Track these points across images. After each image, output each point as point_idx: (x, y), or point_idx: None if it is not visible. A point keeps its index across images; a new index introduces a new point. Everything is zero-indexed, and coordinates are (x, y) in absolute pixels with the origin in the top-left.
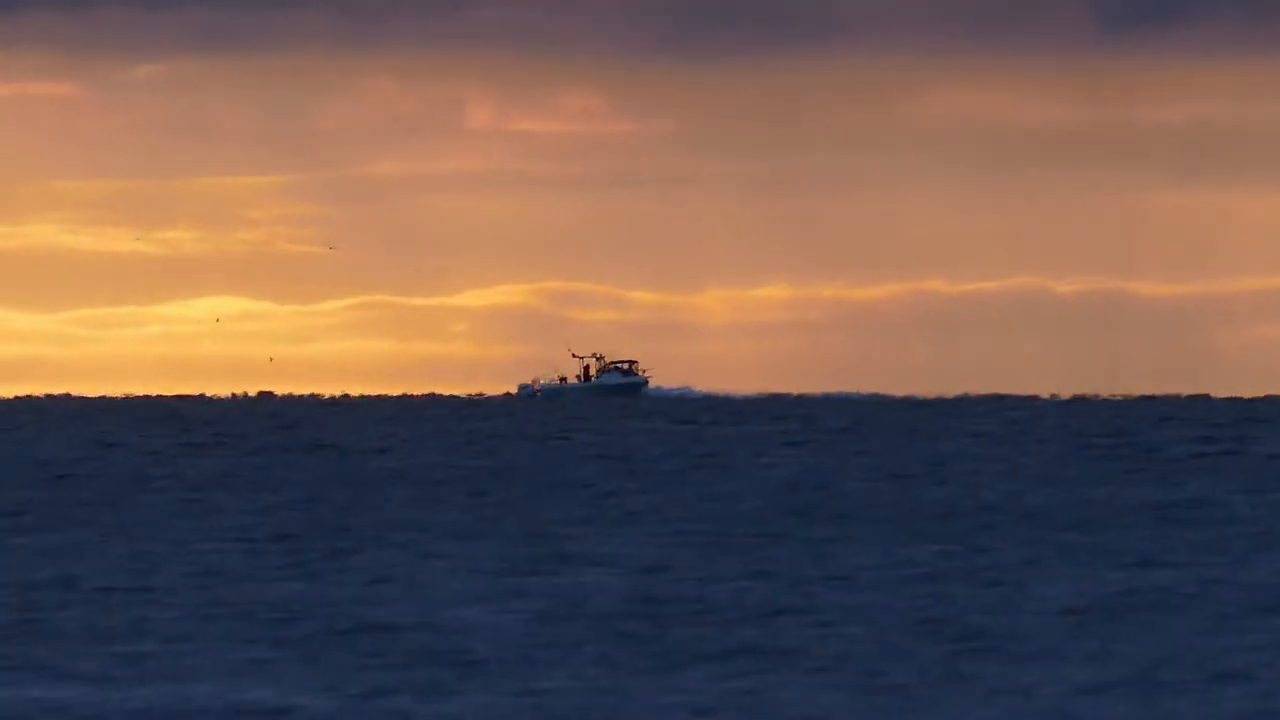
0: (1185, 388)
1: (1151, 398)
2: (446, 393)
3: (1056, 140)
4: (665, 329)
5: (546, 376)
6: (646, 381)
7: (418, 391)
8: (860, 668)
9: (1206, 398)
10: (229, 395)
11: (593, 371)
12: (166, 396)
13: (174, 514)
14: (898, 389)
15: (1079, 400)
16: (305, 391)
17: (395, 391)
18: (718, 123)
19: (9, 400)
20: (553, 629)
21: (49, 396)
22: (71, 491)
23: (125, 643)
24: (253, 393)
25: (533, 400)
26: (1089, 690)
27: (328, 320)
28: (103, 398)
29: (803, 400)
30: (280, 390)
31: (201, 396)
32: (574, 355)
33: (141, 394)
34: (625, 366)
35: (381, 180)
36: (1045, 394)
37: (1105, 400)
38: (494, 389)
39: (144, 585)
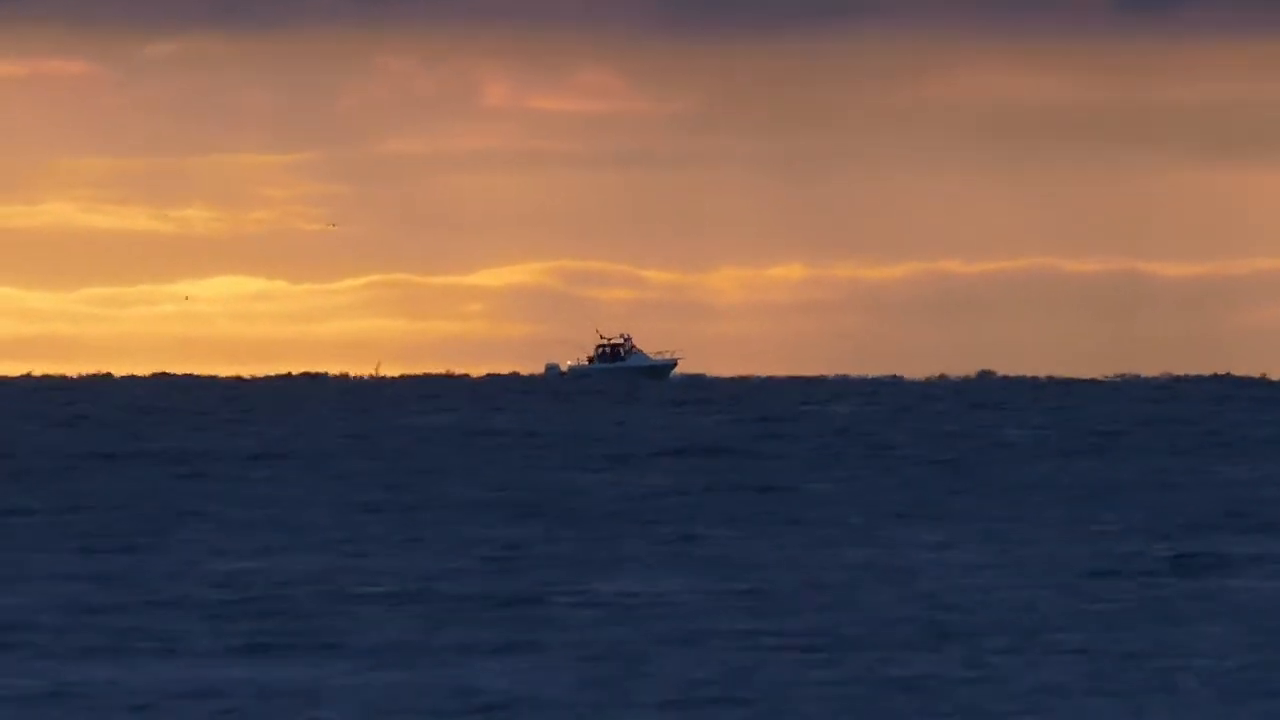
0: (1203, 368)
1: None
2: (462, 371)
3: (1073, 120)
4: (679, 309)
5: (574, 357)
6: (675, 364)
7: (434, 370)
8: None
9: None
10: (270, 375)
11: (620, 352)
12: (201, 376)
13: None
14: (913, 370)
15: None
16: (320, 370)
17: (411, 371)
18: (734, 102)
19: (49, 378)
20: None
21: (87, 376)
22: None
23: (313, 628)
24: (273, 373)
25: (560, 381)
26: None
27: (342, 299)
28: (131, 376)
29: (840, 382)
30: (293, 370)
31: (237, 378)
32: (601, 336)
33: (180, 372)
34: (608, 350)
35: (397, 159)
36: (1067, 376)
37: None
38: (514, 368)
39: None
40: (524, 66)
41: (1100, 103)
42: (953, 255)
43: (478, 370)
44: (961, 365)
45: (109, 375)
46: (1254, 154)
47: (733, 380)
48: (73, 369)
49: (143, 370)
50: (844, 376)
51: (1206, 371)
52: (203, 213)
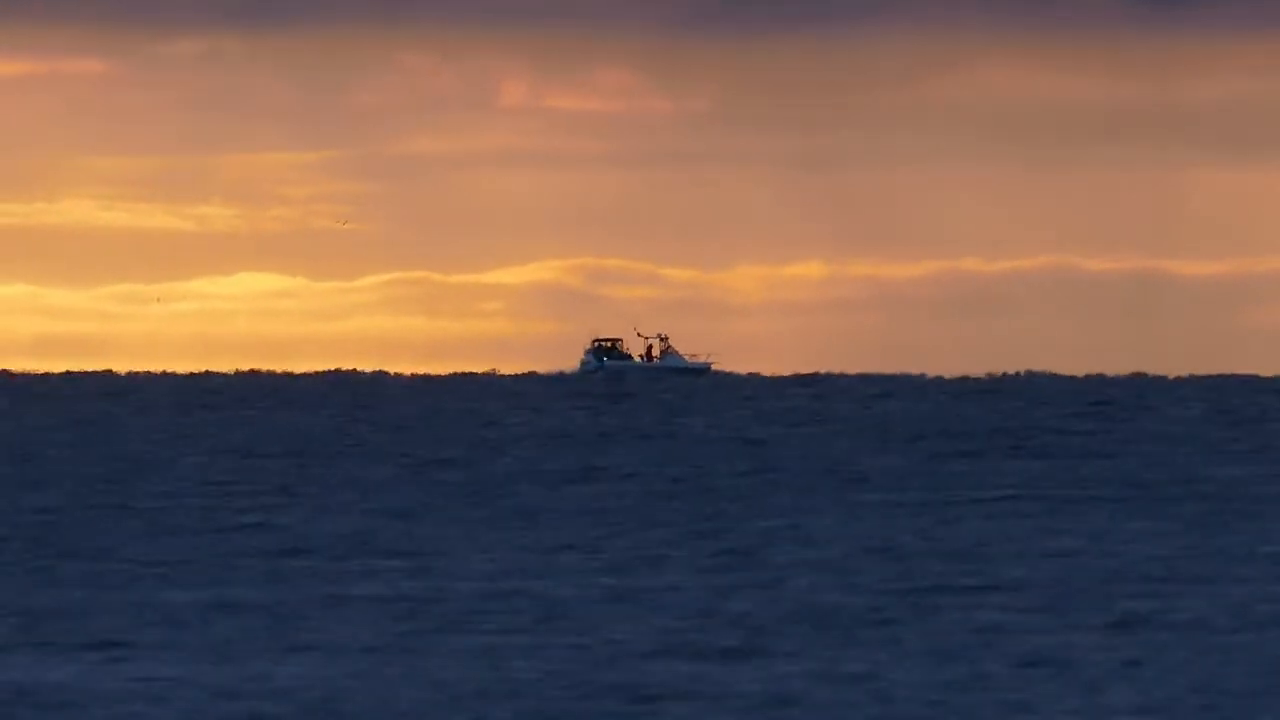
0: (1225, 367)
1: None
2: (480, 370)
3: (1094, 118)
4: (698, 306)
5: (580, 356)
6: (709, 367)
7: (450, 370)
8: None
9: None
10: (315, 371)
11: (655, 353)
12: (243, 371)
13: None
14: (933, 368)
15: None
16: (336, 367)
17: (430, 369)
18: (753, 100)
19: (89, 374)
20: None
21: (132, 374)
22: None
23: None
24: (295, 370)
25: (595, 377)
26: None
27: (361, 298)
28: (167, 374)
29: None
30: (312, 368)
31: (286, 373)
32: (639, 335)
33: (225, 370)
34: (609, 345)
35: (416, 157)
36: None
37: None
38: (534, 366)
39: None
40: (543, 66)
41: (1121, 100)
42: (972, 253)
43: (497, 368)
44: (981, 363)
45: (147, 373)
46: (1276, 151)
47: (775, 379)
48: (92, 366)
49: (158, 367)
50: (885, 375)
51: (1228, 370)
52: (222, 210)
